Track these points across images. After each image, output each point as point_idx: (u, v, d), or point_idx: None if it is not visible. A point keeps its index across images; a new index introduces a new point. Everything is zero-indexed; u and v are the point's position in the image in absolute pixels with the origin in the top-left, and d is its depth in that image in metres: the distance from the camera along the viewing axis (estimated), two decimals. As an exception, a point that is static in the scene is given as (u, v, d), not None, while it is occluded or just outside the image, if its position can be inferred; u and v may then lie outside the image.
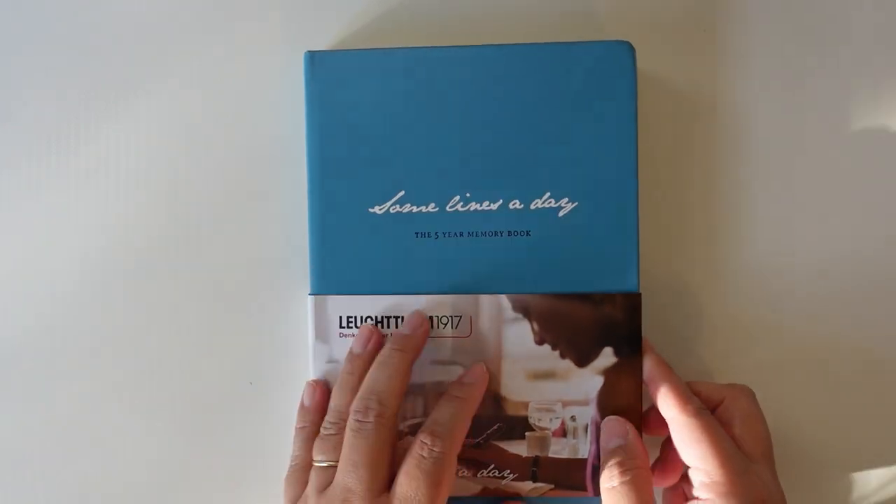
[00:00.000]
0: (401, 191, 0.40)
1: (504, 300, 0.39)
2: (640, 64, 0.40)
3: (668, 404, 0.38)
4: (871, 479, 0.44)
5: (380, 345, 0.39)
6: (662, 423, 0.39)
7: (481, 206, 0.40)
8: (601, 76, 0.39)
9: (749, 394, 0.40)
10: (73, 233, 0.43)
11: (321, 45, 0.42)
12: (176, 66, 0.43)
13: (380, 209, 0.40)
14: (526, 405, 0.40)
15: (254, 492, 0.43)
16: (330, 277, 0.40)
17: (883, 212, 0.44)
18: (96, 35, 0.43)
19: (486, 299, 0.39)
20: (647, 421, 0.41)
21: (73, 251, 0.43)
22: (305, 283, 0.40)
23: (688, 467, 0.38)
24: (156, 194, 0.43)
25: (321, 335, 0.40)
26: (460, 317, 0.40)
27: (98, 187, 0.43)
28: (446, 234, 0.40)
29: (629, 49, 0.39)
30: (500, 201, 0.40)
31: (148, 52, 0.42)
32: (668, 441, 0.39)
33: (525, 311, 0.39)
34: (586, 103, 0.39)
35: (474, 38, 0.42)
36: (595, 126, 0.39)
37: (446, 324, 0.40)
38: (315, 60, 0.40)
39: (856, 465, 0.44)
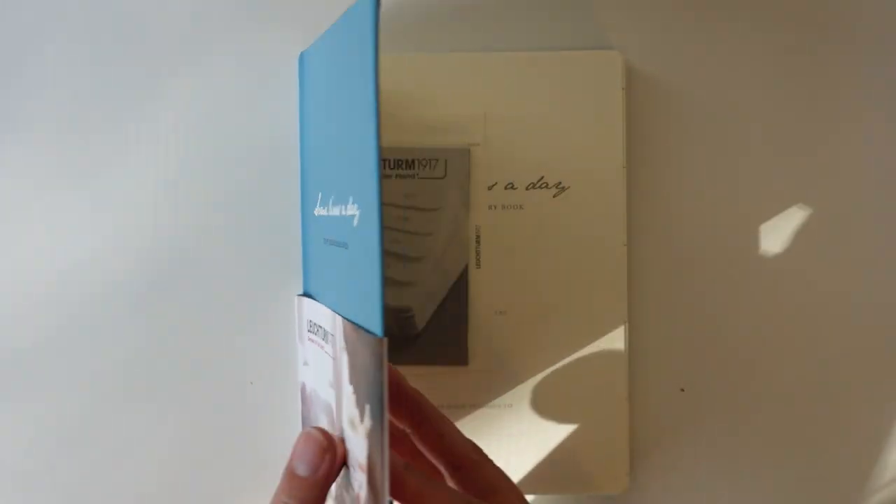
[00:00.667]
0: (318, 192, 0.37)
1: (340, 324, 0.32)
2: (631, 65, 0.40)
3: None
4: None
5: (334, 471, 0.32)
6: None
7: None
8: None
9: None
10: (72, 235, 0.43)
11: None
12: (170, 70, 0.43)
13: (318, 211, 0.38)
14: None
15: (254, 491, 0.43)
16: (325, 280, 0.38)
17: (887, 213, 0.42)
18: (95, 38, 0.43)
19: (339, 320, 0.32)
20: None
21: (70, 253, 0.43)
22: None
23: None
24: (153, 196, 0.43)
25: (300, 337, 0.39)
26: (334, 335, 0.33)
27: (93, 192, 0.43)
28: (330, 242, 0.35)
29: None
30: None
31: (144, 55, 0.43)
32: None
33: (345, 341, 0.32)
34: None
35: (470, 44, 0.42)
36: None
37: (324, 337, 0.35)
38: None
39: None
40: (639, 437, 0.42)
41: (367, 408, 0.29)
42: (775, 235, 0.43)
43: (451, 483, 0.35)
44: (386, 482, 0.27)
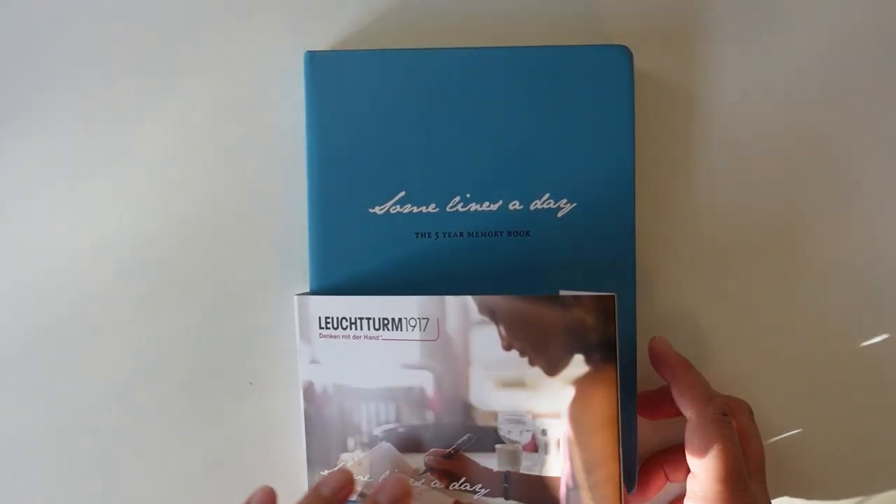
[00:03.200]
0: (401, 191, 0.40)
1: (470, 302, 0.37)
2: (638, 64, 0.40)
3: (687, 402, 0.37)
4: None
5: (346, 496, 0.36)
6: (669, 409, 0.39)
7: (481, 206, 0.40)
8: (599, 79, 0.40)
9: (747, 410, 0.40)
10: (72, 232, 0.43)
11: (322, 45, 0.43)
12: (175, 68, 0.43)
13: (380, 209, 0.40)
14: (495, 415, 0.38)
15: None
16: (328, 277, 0.40)
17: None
18: (97, 33, 0.43)
19: (452, 301, 0.38)
20: (658, 405, 0.40)
21: (71, 251, 0.43)
22: (306, 283, 0.41)
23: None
24: (154, 193, 0.43)
25: (305, 336, 0.39)
26: (427, 319, 0.38)
27: (96, 189, 0.43)
28: (446, 235, 0.40)
29: (626, 53, 0.40)
30: (500, 202, 0.40)
31: (148, 53, 0.43)
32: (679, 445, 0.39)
33: (491, 314, 0.37)
34: (585, 106, 0.40)
35: (475, 40, 0.42)
36: (593, 128, 0.40)
37: (414, 326, 0.38)
38: (315, 60, 0.40)
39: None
40: (643, 443, 0.43)
41: (576, 358, 0.36)
42: (785, 240, 0.43)
43: None
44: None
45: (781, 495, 0.44)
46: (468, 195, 0.40)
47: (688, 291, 0.43)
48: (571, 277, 0.40)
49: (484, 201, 0.40)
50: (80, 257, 0.43)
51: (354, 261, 0.40)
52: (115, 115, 0.43)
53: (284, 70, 0.42)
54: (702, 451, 0.36)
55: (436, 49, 0.40)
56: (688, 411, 0.37)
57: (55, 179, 0.43)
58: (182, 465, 0.43)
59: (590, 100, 0.40)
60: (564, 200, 0.40)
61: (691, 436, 0.37)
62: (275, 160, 0.43)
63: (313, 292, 0.40)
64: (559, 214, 0.40)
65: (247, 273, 0.43)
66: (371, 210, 0.40)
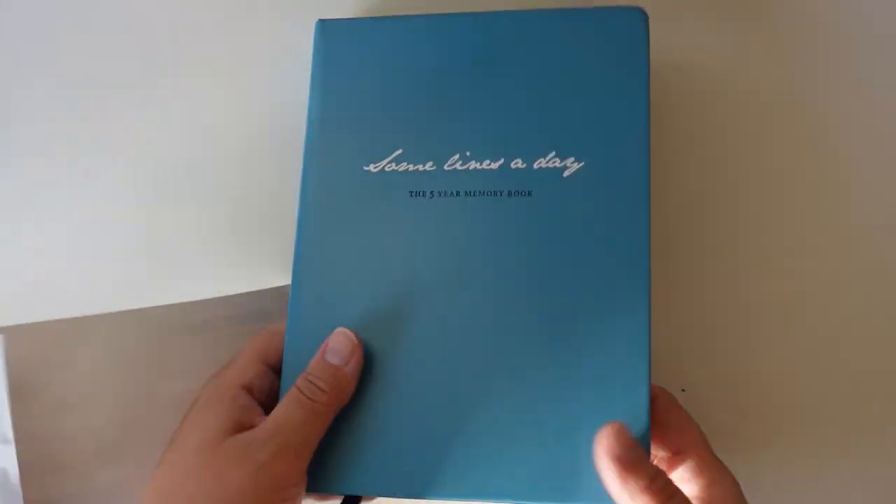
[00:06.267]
0: (398, 149, 0.38)
1: None
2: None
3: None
4: None
5: (359, 370, 0.35)
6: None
7: (481, 164, 0.37)
8: (613, 41, 0.37)
9: (736, 489, 0.34)
10: (68, 233, 0.43)
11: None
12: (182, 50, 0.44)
13: (375, 167, 0.38)
14: None
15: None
16: (318, 239, 0.37)
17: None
18: (96, 27, 0.44)
19: None
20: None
21: (72, 249, 0.43)
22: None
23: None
24: (162, 176, 0.43)
25: None
26: None
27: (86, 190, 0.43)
28: (442, 194, 0.37)
29: (641, 15, 0.37)
30: (502, 160, 0.37)
31: (161, 31, 0.43)
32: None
33: None
34: (596, 67, 0.37)
35: (487, 5, 0.41)
36: (605, 88, 0.37)
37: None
38: (325, 28, 0.39)
39: None
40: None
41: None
42: (789, 235, 0.42)
43: None
44: None
45: None
46: (468, 153, 0.37)
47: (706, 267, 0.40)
48: (574, 243, 0.36)
49: (484, 159, 0.37)
50: (78, 253, 0.42)
51: (346, 221, 0.37)
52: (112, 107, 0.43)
53: (296, 45, 0.42)
54: None
55: (444, 14, 0.39)
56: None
57: (52, 178, 0.43)
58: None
59: (601, 60, 0.37)
60: (571, 159, 0.37)
61: None
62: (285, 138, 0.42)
63: (299, 257, 0.37)
64: (565, 174, 0.36)
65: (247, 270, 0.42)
66: (366, 168, 0.38)
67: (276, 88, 0.43)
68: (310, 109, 0.39)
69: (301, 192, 0.38)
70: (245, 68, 0.44)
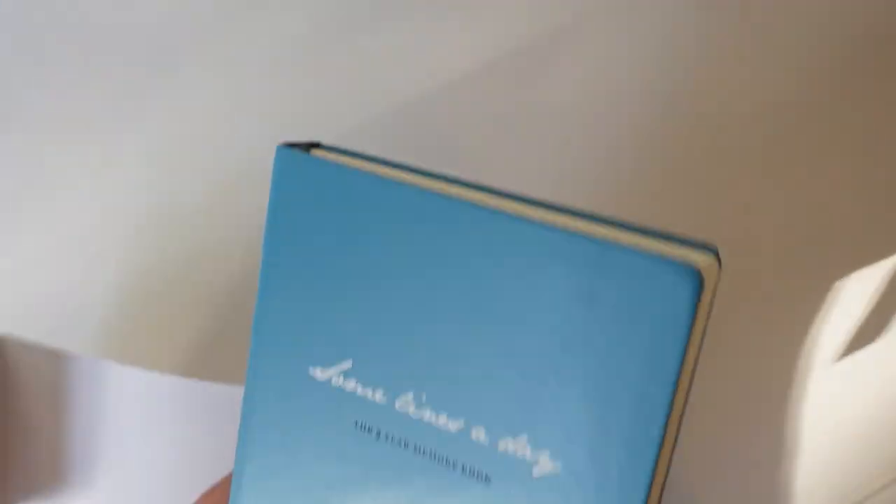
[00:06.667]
0: (348, 359, 0.29)
1: None
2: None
3: None
4: None
5: None
6: None
7: (437, 419, 0.28)
8: (645, 307, 0.24)
9: None
10: (73, 231, 0.42)
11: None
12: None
13: (322, 374, 0.30)
14: None
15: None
16: (257, 455, 0.31)
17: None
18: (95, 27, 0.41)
19: None
20: None
21: (72, 248, 0.42)
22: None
23: None
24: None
25: None
26: None
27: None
28: (389, 439, 0.29)
29: (693, 278, 0.23)
30: (462, 422, 0.27)
31: (164, 36, 0.41)
32: None
33: None
34: (611, 337, 0.24)
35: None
36: (618, 369, 0.24)
37: None
38: (284, 159, 0.29)
39: None
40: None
41: None
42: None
43: None
44: None
45: None
46: (423, 396, 0.28)
47: None
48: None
49: (441, 412, 0.28)
50: (78, 252, 0.41)
51: (289, 436, 0.30)
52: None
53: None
54: None
55: (441, 196, 0.27)
56: None
57: (52, 177, 0.41)
58: (181, 464, 0.41)
59: (623, 331, 0.24)
60: (546, 455, 0.26)
61: None
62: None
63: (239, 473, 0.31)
64: (535, 472, 0.26)
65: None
66: (311, 372, 0.30)
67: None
68: (264, 247, 0.30)
69: (247, 389, 0.31)
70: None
